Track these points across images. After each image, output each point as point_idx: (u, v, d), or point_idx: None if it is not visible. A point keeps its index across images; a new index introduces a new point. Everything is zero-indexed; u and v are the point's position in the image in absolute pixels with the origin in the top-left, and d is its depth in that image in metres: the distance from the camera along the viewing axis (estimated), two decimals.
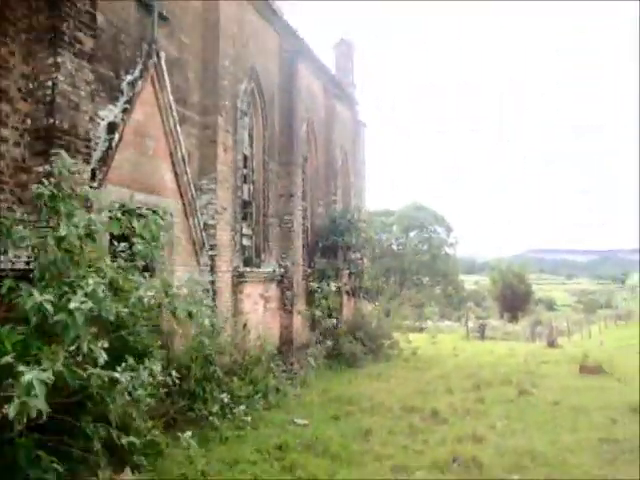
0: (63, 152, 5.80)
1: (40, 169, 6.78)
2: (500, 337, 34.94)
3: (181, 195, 10.50)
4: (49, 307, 4.53)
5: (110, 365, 5.28)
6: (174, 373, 5.73)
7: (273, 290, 14.56)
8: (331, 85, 19.46)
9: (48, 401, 5.38)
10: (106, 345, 4.75)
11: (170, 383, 5.71)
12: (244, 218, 13.56)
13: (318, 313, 15.72)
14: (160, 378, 5.46)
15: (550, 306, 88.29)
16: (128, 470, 6.95)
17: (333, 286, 16.01)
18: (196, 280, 7.03)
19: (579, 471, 7.34)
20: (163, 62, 9.74)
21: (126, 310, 5.05)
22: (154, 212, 6.27)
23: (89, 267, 5.20)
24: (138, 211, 6.14)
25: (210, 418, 8.90)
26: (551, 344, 25.72)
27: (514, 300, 54.52)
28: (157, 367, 5.23)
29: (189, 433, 5.96)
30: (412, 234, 63.36)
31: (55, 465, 5.19)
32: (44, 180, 5.43)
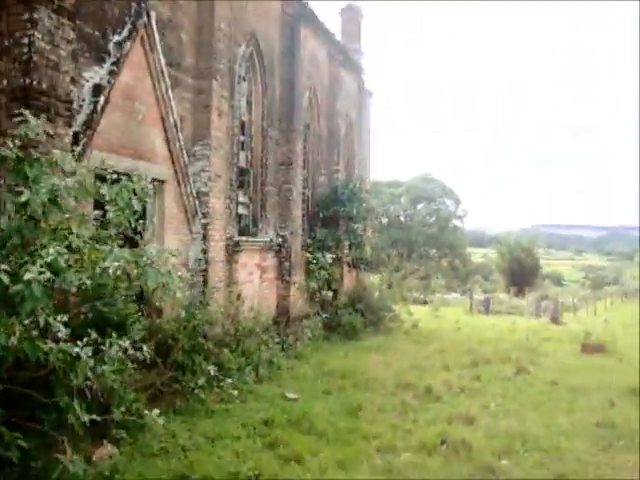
0: (28, 113, 5.46)
1: (16, 132, 6.47)
2: (505, 311, 34.64)
3: (173, 162, 10.18)
4: (4, 277, 4.25)
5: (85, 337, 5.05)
6: (145, 348, 5.43)
7: (270, 260, 14.28)
8: (336, 51, 18.93)
9: (16, 375, 5.18)
10: (65, 318, 4.48)
11: (141, 358, 5.42)
12: (241, 186, 13.21)
13: (313, 285, 15.44)
14: (131, 352, 5.18)
15: (558, 281, 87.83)
16: (108, 444, 6.79)
17: (329, 257, 15.66)
18: (170, 250, 6.71)
19: (572, 457, 7.08)
20: (154, 22, 9.32)
21: (90, 282, 4.75)
22: (129, 177, 5.95)
23: (54, 235, 4.91)
24: (109, 177, 5.82)
25: (196, 391, 8.70)
26: (555, 320, 25.43)
27: (521, 274, 54.12)
28: (125, 342, 4.96)
29: (156, 411, 5.71)
30: (420, 206, 62.91)
31: (19, 441, 4.98)
32: (9, 143, 5.12)
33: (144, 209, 6.08)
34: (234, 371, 10.14)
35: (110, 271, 4.78)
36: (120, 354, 4.98)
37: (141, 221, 6.26)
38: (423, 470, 6.56)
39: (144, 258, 5.26)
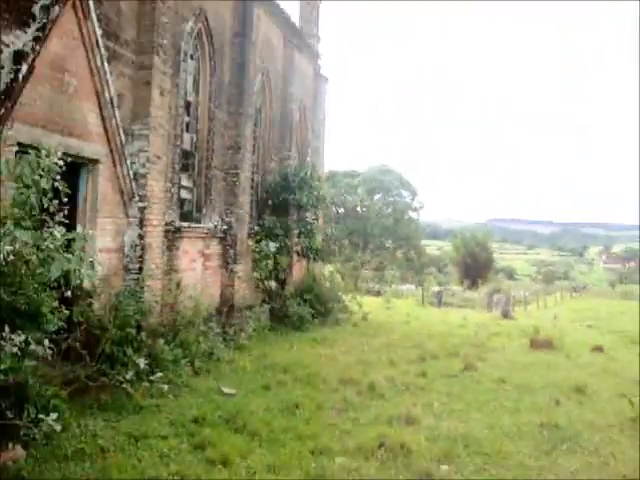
0: None
1: None
2: (458, 304, 34.73)
3: (108, 140, 9.52)
4: None
5: None
6: (47, 343, 4.87)
7: (214, 247, 13.69)
8: (292, 35, 18.34)
9: None
10: None
11: (40, 353, 4.86)
12: (184, 169, 12.58)
13: (256, 275, 14.91)
14: (33, 347, 4.62)
15: (510, 275, 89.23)
16: (17, 446, 6.19)
17: (272, 246, 15.11)
18: (79, 234, 6.10)
19: (514, 461, 6.75)
20: None
21: None
22: (37, 151, 5.33)
23: None
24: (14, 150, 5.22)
25: (124, 385, 8.13)
26: (506, 315, 25.43)
27: (475, 267, 54.66)
28: (20, 337, 4.39)
29: (54, 415, 5.15)
30: (377, 197, 62.77)
31: None
32: None
33: (55, 188, 5.36)
34: (169, 363, 9.60)
35: (0, 255, 4.21)
36: (15, 350, 4.40)
37: (56, 201, 5.63)
38: (357, 476, 6.15)
39: (47, 242, 4.69)
